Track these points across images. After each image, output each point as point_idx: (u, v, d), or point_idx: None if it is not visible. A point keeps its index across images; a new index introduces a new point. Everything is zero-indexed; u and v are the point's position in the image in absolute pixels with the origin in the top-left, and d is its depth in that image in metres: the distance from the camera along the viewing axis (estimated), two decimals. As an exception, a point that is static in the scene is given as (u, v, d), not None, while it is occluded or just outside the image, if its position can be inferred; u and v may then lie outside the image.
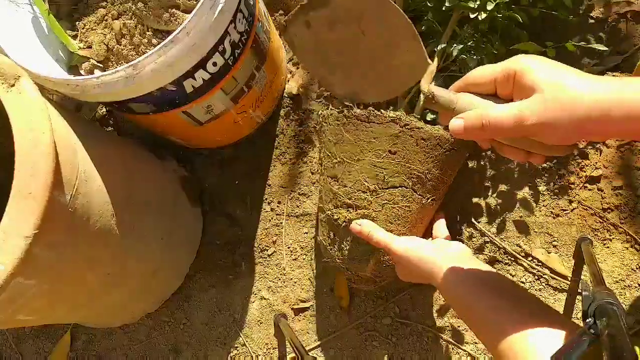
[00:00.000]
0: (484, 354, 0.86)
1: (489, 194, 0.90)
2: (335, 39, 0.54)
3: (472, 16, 0.73)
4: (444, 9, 0.74)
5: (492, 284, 0.57)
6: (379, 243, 0.68)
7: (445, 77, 0.80)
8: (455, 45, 0.75)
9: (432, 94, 0.47)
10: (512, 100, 0.44)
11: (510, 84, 0.44)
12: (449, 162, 0.70)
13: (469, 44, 0.76)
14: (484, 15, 0.72)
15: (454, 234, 0.90)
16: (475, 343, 0.87)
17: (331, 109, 0.69)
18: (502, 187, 0.89)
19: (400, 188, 0.69)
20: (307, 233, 0.95)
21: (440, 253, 0.65)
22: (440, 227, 0.78)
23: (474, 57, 0.76)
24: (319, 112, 0.75)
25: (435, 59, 0.71)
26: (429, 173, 0.69)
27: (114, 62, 0.74)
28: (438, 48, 0.73)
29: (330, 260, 0.77)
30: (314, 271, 0.94)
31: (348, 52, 0.54)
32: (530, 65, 0.42)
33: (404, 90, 0.52)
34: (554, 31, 0.88)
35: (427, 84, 0.51)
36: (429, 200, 0.71)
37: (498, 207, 0.89)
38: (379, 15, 0.51)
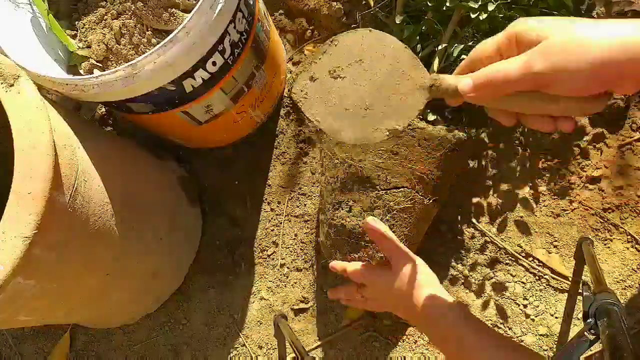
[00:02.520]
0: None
1: (490, 193, 0.90)
2: (340, 84, 0.54)
3: (472, 16, 0.73)
4: (444, 8, 0.74)
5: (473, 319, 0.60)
6: (390, 248, 0.66)
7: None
8: (456, 45, 0.75)
9: (438, 81, 0.46)
10: None
11: (515, 47, 0.40)
12: (450, 163, 0.70)
13: (470, 43, 0.76)
14: (484, 16, 0.72)
15: (455, 234, 0.90)
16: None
17: None
18: (504, 187, 0.89)
19: (402, 189, 0.68)
20: (307, 233, 0.95)
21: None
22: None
23: None
24: None
25: (436, 61, 0.71)
26: (431, 173, 0.69)
27: (113, 62, 0.74)
28: (439, 48, 0.73)
29: (331, 260, 0.77)
30: (314, 271, 0.94)
31: (353, 94, 0.54)
32: (532, 22, 0.39)
33: (414, 116, 0.52)
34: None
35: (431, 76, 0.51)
36: (430, 201, 0.71)
37: (499, 206, 0.89)
38: (380, 49, 0.51)
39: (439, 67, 0.74)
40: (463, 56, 0.76)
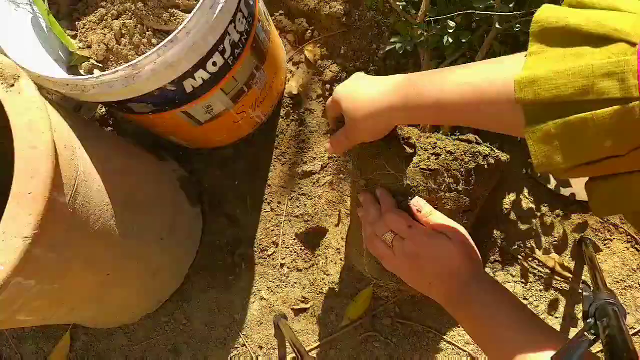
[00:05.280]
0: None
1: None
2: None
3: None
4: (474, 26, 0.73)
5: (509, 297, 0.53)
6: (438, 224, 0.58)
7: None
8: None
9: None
10: None
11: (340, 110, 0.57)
12: (484, 180, 0.68)
13: None
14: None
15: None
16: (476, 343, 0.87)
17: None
18: (504, 186, 0.89)
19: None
20: (307, 233, 0.95)
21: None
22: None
23: None
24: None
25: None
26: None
27: (113, 62, 0.74)
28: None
29: (361, 269, 0.76)
30: (314, 271, 0.94)
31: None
32: (339, 97, 0.55)
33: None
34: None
35: None
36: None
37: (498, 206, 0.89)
38: None
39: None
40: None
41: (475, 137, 0.71)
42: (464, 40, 0.74)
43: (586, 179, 0.41)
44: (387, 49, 0.74)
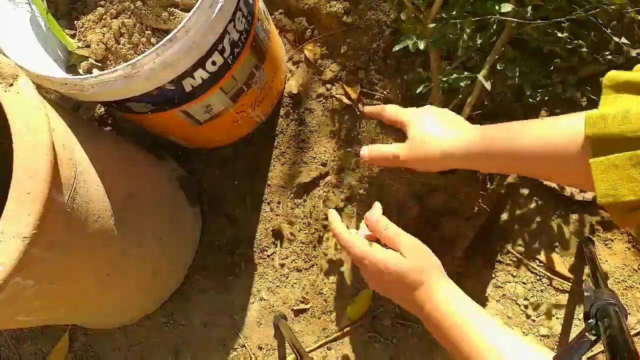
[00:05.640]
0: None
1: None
2: None
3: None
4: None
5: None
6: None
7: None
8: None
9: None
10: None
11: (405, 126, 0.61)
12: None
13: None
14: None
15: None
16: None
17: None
18: (505, 186, 0.89)
19: None
20: (307, 233, 0.95)
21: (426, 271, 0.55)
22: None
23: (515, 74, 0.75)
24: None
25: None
26: None
27: (112, 62, 0.74)
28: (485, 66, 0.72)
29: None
30: (314, 272, 0.94)
31: None
32: (412, 120, 0.60)
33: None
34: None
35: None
36: None
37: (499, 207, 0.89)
38: None
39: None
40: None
41: None
42: (479, 42, 0.74)
43: None
44: (396, 49, 0.73)
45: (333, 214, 0.64)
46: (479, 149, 0.52)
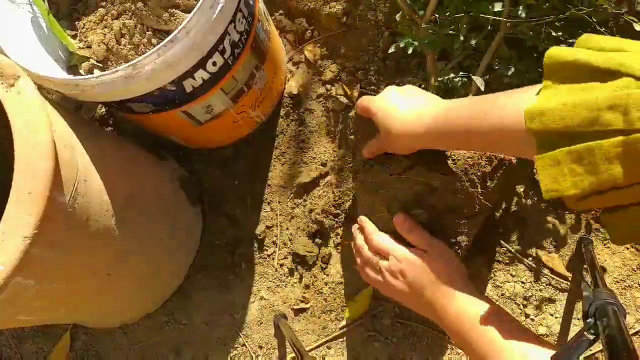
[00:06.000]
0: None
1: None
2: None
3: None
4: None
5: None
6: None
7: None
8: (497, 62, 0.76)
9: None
10: None
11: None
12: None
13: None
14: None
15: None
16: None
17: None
18: (502, 184, 0.89)
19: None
20: (307, 233, 0.95)
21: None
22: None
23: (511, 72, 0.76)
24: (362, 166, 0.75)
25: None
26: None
27: (113, 62, 0.74)
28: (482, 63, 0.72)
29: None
30: (314, 271, 0.94)
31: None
32: (375, 108, 0.62)
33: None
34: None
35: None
36: None
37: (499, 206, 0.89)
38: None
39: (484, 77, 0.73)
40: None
41: None
42: (474, 42, 0.74)
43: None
44: (391, 50, 0.73)
45: (363, 217, 0.71)
46: (440, 128, 0.54)
